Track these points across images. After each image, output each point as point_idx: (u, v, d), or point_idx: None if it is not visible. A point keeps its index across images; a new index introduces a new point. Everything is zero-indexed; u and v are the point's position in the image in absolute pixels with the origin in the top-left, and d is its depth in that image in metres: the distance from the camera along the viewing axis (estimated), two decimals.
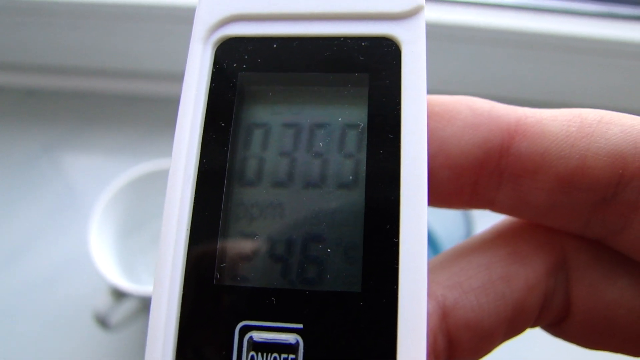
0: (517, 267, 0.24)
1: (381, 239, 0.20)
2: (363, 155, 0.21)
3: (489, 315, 0.24)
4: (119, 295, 0.62)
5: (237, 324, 0.20)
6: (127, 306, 0.65)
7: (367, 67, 0.22)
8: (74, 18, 0.82)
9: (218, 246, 0.21)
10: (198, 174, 0.21)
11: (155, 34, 0.82)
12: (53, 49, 0.87)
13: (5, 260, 0.74)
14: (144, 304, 0.66)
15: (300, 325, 0.20)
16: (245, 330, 0.20)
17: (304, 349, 0.19)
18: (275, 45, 0.22)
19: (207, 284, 0.20)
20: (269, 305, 0.20)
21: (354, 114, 0.22)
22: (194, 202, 0.21)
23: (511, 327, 0.25)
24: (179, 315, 0.20)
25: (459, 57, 0.78)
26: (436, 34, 0.74)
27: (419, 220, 0.20)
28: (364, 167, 0.21)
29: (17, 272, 0.73)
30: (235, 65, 0.22)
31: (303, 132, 0.22)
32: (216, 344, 0.20)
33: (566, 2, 0.75)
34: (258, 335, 0.20)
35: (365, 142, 0.21)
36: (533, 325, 0.26)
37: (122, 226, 0.68)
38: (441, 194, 0.24)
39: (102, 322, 0.62)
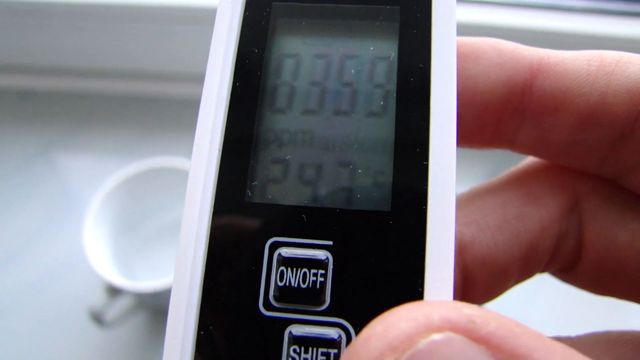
0: (531, 208, 0.25)
1: (410, 162, 0.20)
2: (393, 85, 0.22)
3: (504, 253, 0.24)
4: (114, 292, 0.62)
5: (267, 240, 0.20)
6: (123, 303, 0.65)
7: (398, 0, 0.22)
8: (68, 19, 0.82)
9: (250, 166, 0.21)
10: (231, 98, 0.22)
11: (150, 35, 0.83)
12: (48, 50, 0.87)
13: (2, 260, 0.74)
14: (140, 300, 0.66)
15: (330, 242, 0.20)
16: (275, 246, 0.20)
17: (334, 264, 0.20)
18: None
19: (239, 201, 0.20)
20: (299, 222, 0.20)
21: (384, 46, 0.22)
22: (226, 124, 0.21)
23: (524, 268, 0.25)
24: (210, 231, 0.20)
25: None
26: None
27: (448, 145, 0.20)
28: (395, 95, 0.21)
29: (14, 271, 0.73)
30: None
31: (333, 62, 0.22)
32: (246, 259, 0.20)
33: None
34: (288, 251, 0.20)
35: (395, 73, 0.22)
36: (544, 270, 0.27)
37: (117, 224, 0.69)
38: (465, 132, 0.24)
39: (97, 319, 0.62)
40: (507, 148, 0.26)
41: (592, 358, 0.23)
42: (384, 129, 0.21)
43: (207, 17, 0.77)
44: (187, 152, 0.75)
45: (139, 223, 0.72)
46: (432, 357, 0.15)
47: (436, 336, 0.15)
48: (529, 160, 0.27)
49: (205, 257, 0.20)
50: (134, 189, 0.69)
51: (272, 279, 0.20)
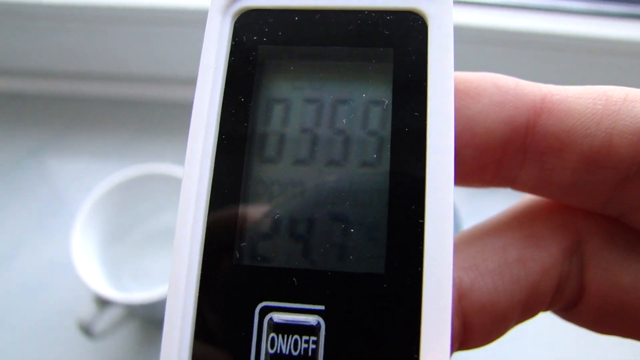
0: (532, 250, 0.24)
1: (406, 220, 0.19)
2: (387, 133, 0.21)
3: (504, 298, 0.24)
4: (103, 303, 0.61)
5: (257, 305, 0.19)
6: (112, 314, 0.64)
7: (392, 42, 0.21)
8: (57, 21, 0.81)
9: (237, 225, 0.20)
10: (217, 150, 0.21)
11: (140, 37, 0.81)
12: (37, 53, 0.86)
13: None
14: (129, 311, 0.65)
15: (322, 307, 0.19)
16: (265, 311, 0.19)
17: (326, 330, 0.19)
18: (296, 18, 0.22)
19: (227, 263, 0.20)
20: (290, 285, 0.19)
21: (378, 90, 0.21)
22: (213, 179, 0.20)
23: (525, 310, 0.24)
24: (198, 295, 0.19)
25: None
26: None
27: (445, 201, 0.19)
28: (389, 145, 0.20)
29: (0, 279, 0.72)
30: (255, 38, 0.22)
31: (325, 108, 0.21)
32: (236, 324, 0.19)
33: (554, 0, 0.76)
34: (278, 317, 0.19)
35: (389, 120, 0.21)
36: (546, 309, 0.26)
37: (106, 231, 0.68)
38: (464, 172, 0.24)
39: (86, 330, 0.61)
40: (508, 187, 0.25)
41: None
42: (378, 180, 0.20)
43: (196, 19, 0.77)
44: (177, 157, 0.76)
45: (127, 230, 0.71)
46: None
47: None
48: (528, 197, 0.26)
49: (194, 324, 0.19)
50: (122, 196, 0.68)
51: (263, 345, 0.19)
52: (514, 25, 0.73)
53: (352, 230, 0.20)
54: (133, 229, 0.72)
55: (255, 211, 0.20)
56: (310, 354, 0.19)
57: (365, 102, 0.21)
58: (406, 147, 0.20)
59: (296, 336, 0.19)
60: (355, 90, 0.21)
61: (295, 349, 0.19)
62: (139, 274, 0.70)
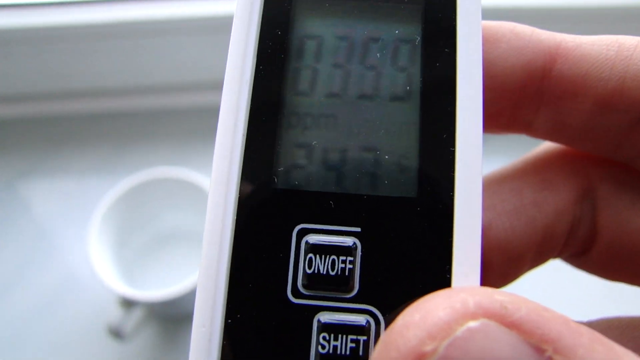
0: (546, 194, 0.25)
1: (437, 148, 0.20)
2: (417, 69, 0.21)
3: (520, 238, 0.24)
4: (128, 304, 0.63)
5: (295, 227, 0.20)
6: (136, 315, 0.65)
7: None
8: (30, 45, 0.80)
9: (275, 152, 0.21)
10: (254, 81, 0.21)
11: (115, 51, 0.82)
12: (13, 77, 0.84)
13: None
14: (151, 310, 0.67)
15: (358, 229, 0.20)
16: (302, 232, 0.20)
17: (362, 251, 0.20)
18: None
19: (265, 187, 0.20)
20: (327, 208, 0.20)
21: (409, 29, 0.22)
22: (250, 108, 0.21)
23: (539, 253, 0.25)
24: (236, 217, 0.20)
25: None
26: None
27: (475, 130, 0.20)
28: (420, 79, 0.21)
29: (13, 299, 0.72)
30: None
31: (357, 45, 0.22)
32: (274, 246, 0.20)
33: None
34: (316, 238, 0.20)
35: (419, 56, 0.21)
36: (557, 255, 0.27)
37: (118, 237, 0.69)
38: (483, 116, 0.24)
39: (117, 333, 0.63)
40: (523, 132, 0.26)
41: None
42: (409, 113, 0.21)
43: (174, 28, 0.77)
44: (166, 162, 0.76)
45: (135, 234, 0.73)
46: (469, 344, 0.15)
47: (472, 323, 0.15)
48: (544, 146, 0.27)
49: (232, 245, 0.20)
50: (131, 201, 0.69)
51: (300, 266, 0.20)
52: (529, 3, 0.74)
53: (385, 157, 0.20)
54: (140, 232, 0.74)
55: (290, 141, 0.21)
56: (347, 273, 0.19)
57: (397, 39, 0.22)
58: (437, 81, 0.21)
59: (333, 256, 0.19)
60: (387, 28, 0.22)
61: (333, 269, 0.19)
62: (151, 275, 0.72)
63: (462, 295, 0.16)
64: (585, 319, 0.25)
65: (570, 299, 0.64)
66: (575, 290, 0.63)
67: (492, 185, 0.26)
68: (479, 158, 0.20)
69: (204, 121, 0.79)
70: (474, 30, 0.21)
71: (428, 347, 0.15)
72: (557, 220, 0.25)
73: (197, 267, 0.63)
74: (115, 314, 0.63)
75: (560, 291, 0.65)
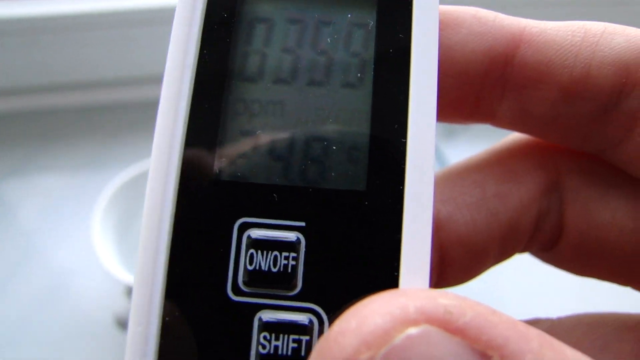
0: (511, 186, 0.24)
1: (388, 138, 0.19)
2: (371, 55, 0.20)
3: (482, 232, 0.24)
4: None
5: (236, 220, 0.19)
6: None
7: None
8: (17, 37, 0.79)
9: (218, 140, 0.20)
10: (197, 67, 0.20)
11: (101, 42, 0.80)
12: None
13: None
14: None
15: (303, 223, 0.19)
16: (244, 227, 0.19)
17: (306, 247, 0.19)
18: None
19: (205, 179, 0.19)
20: (270, 201, 0.19)
21: (363, 12, 0.21)
22: (193, 96, 0.20)
23: (503, 247, 0.25)
24: (175, 210, 0.19)
25: None
26: None
27: (428, 119, 0.19)
28: (372, 66, 0.20)
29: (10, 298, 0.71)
30: None
31: (308, 29, 0.21)
32: (214, 240, 0.19)
33: None
34: (258, 232, 0.19)
35: (373, 42, 0.20)
36: (524, 249, 0.26)
37: (120, 227, 0.69)
38: (444, 105, 0.23)
39: (124, 324, 0.62)
40: (487, 122, 0.25)
41: (573, 340, 0.22)
42: (360, 101, 0.20)
43: (159, 18, 0.76)
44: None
45: (139, 223, 0.72)
46: (409, 352, 0.14)
47: (412, 330, 0.15)
48: (510, 137, 0.26)
49: (170, 238, 0.19)
50: (133, 191, 0.69)
51: (241, 262, 0.19)
52: None
53: (333, 148, 0.20)
54: (137, 221, 0.73)
55: (235, 129, 0.20)
56: (290, 270, 0.18)
57: (350, 23, 0.21)
58: (390, 68, 0.20)
59: (276, 252, 0.19)
60: (339, 11, 0.21)
61: (275, 266, 0.18)
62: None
63: (402, 300, 0.15)
64: (557, 314, 0.25)
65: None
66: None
67: (455, 177, 0.25)
68: (431, 150, 0.19)
69: None
70: (431, 15, 0.20)
71: (364, 356, 0.14)
72: (521, 213, 0.24)
73: None
74: (121, 304, 0.62)
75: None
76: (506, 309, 0.16)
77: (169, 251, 0.19)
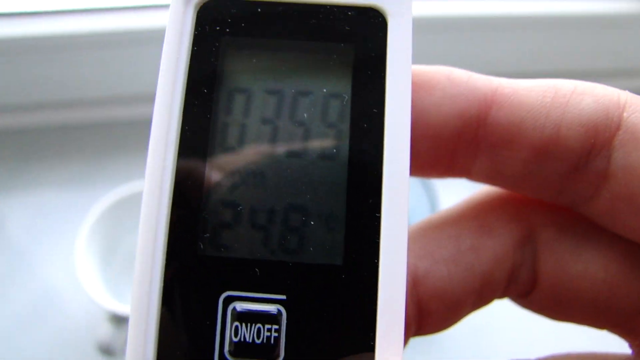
0: (485, 240, 0.25)
1: (363, 213, 0.20)
2: (346, 127, 0.21)
3: (458, 285, 0.25)
4: (118, 320, 0.62)
5: (221, 294, 0.20)
6: (127, 329, 0.64)
7: (352, 38, 0.22)
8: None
9: (201, 215, 0.21)
10: (180, 141, 0.21)
11: (87, 62, 0.80)
12: None
13: None
14: None
15: (284, 297, 0.20)
16: (228, 300, 0.20)
17: (287, 319, 0.20)
18: (259, 10, 0.22)
19: (191, 254, 0.20)
20: (253, 275, 0.20)
21: (338, 85, 0.22)
22: (176, 169, 0.21)
23: (479, 298, 0.26)
24: (162, 285, 0.20)
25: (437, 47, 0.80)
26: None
27: (401, 195, 0.20)
28: (347, 139, 0.21)
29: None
30: (218, 28, 0.22)
31: (286, 100, 0.22)
32: (200, 313, 0.20)
33: None
34: (241, 306, 0.20)
35: (348, 114, 0.21)
36: (501, 297, 0.27)
37: (104, 252, 0.69)
38: (420, 163, 0.24)
39: (107, 350, 0.62)
40: (464, 177, 0.26)
41: None
42: (336, 173, 0.21)
43: (146, 38, 0.76)
44: (142, 176, 0.75)
45: (123, 247, 0.73)
46: None
47: None
48: (484, 189, 0.27)
49: (159, 312, 0.20)
50: (117, 215, 0.69)
51: (227, 334, 0.20)
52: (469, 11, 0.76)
53: (311, 223, 0.21)
54: (126, 246, 0.73)
55: (217, 201, 0.21)
56: (272, 341, 0.20)
57: (326, 95, 0.22)
58: (364, 141, 0.21)
59: (259, 324, 0.20)
60: (316, 83, 0.22)
61: (258, 337, 0.20)
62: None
63: None
64: (536, 355, 0.26)
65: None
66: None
67: (431, 231, 0.25)
68: (405, 223, 0.20)
69: None
70: (403, 86, 0.21)
71: None
72: (495, 266, 0.25)
73: None
74: (104, 330, 0.62)
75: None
76: (485, 350, 0.17)
77: (158, 323, 0.20)
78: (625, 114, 0.22)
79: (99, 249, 0.67)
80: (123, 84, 0.83)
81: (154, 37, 0.73)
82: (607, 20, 0.78)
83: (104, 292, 0.65)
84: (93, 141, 0.84)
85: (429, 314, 0.25)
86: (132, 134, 0.83)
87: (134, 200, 0.69)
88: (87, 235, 0.65)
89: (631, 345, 0.26)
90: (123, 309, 0.61)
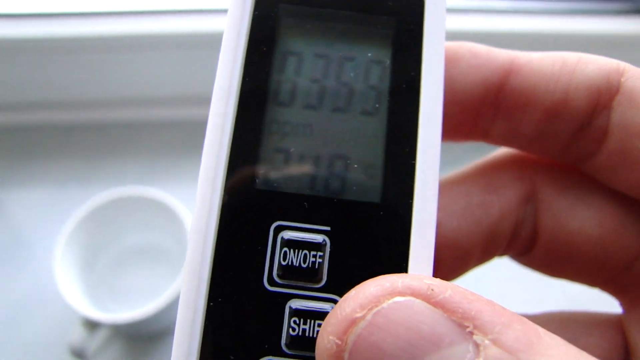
0: (492, 197, 0.28)
1: (400, 159, 0.23)
2: (386, 88, 0.24)
3: (467, 237, 0.27)
4: (92, 325, 0.63)
5: (272, 224, 0.23)
6: (100, 335, 0.65)
7: (394, 12, 0.25)
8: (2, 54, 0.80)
9: (257, 156, 0.23)
10: (240, 93, 0.24)
11: (87, 64, 0.82)
12: None
13: None
14: (116, 330, 0.67)
15: (328, 228, 0.22)
16: (279, 229, 0.22)
17: (330, 248, 0.22)
18: None
19: (247, 187, 0.23)
20: (301, 208, 0.23)
21: (380, 52, 0.25)
22: (236, 116, 0.23)
23: (484, 251, 0.28)
24: (220, 213, 0.22)
25: None
26: None
27: (433, 147, 0.23)
28: (387, 98, 0.24)
29: None
30: None
31: (333, 63, 0.25)
32: (253, 239, 0.22)
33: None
34: (290, 234, 0.22)
35: (388, 77, 0.24)
36: (503, 253, 0.30)
37: (84, 256, 0.69)
38: (447, 127, 0.27)
39: (79, 354, 0.63)
40: (482, 140, 0.29)
41: None
42: (376, 127, 0.24)
43: (147, 43, 0.78)
44: (139, 177, 0.77)
45: (101, 252, 0.74)
46: (394, 313, 0.18)
47: (398, 298, 0.18)
48: (494, 153, 0.30)
49: (216, 237, 0.22)
50: (98, 221, 0.70)
51: (276, 258, 0.22)
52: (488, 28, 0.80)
53: (354, 166, 0.23)
54: (106, 251, 0.74)
55: (271, 145, 0.24)
56: (317, 266, 0.22)
57: (368, 61, 0.25)
58: (402, 100, 0.24)
59: (305, 251, 0.22)
60: (360, 50, 0.25)
61: (304, 262, 0.22)
62: (117, 294, 0.72)
63: (394, 277, 0.19)
64: (532, 311, 0.28)
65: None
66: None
67: (444, 188, 0.28)
68: (436, 171, 0.23)
69: (180, 134, 0.81)
70: (438, 55, 0.24)
71: (358, 314, 0.18)
72: (501, 221, 0.28)
73: (164, 288, 0.63)
74: (78, 333, 0.63)
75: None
76: None
77: (214, 247, 0.22)
78: (622, 79, 0.25)
79: (79, 254, 0.68)
80: (123, 87, 0.84)
81: (152, 43, 0.77)
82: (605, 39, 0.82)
83: (81, 296, 0.65)
84: (92, 142, 0.85)
85: (440, 262, 0.27)
86: (130, 137, 0.85)
87: (115, 205, 0.70)
88: (67, 239, 0.66)
89: (621, 304, 0.28)
90: (97, 315, 0.61)
